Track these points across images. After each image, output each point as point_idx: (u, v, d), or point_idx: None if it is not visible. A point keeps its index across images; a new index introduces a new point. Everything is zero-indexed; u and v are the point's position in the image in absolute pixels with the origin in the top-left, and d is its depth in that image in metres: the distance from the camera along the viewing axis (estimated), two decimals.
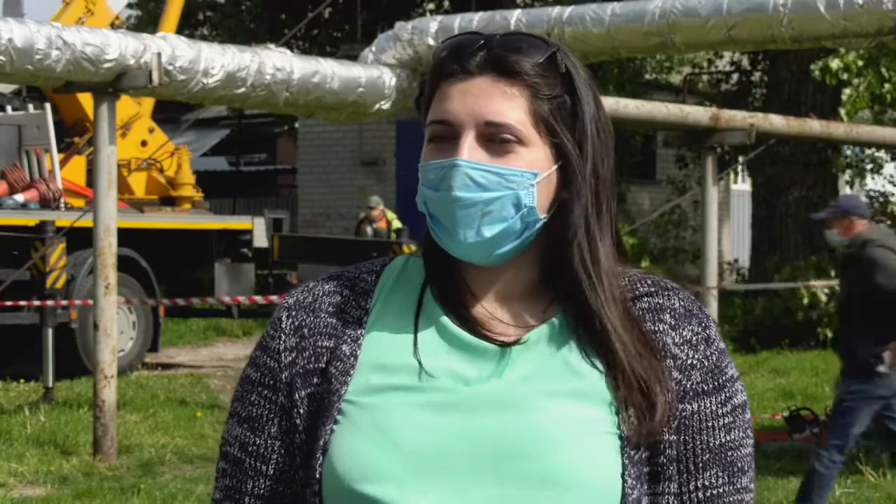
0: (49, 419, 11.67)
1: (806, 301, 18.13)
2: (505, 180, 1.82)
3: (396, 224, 19.78)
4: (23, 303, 13.25)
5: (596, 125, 1.88)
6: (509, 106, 1.82)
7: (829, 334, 18.03)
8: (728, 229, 28.14)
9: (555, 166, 1.85)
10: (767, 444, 10.97)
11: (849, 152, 22.41)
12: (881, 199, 20.94)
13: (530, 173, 1.83)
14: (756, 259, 21.57)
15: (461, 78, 1.84)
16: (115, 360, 10.56)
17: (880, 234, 8.18)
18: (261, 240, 16.99)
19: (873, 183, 24.01)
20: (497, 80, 1.83)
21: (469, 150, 1.81)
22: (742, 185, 29.84)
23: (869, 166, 22.55)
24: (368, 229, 19.47)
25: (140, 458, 10.42)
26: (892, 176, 23.63)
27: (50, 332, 13.12)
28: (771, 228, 21.11)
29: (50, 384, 12.93)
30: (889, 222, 20.20)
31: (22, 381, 14.29)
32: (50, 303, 13.28)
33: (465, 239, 1.83)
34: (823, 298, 18.15)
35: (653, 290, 1.91)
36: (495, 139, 1.82)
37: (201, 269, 16.60)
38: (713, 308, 13.84)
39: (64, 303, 13.69)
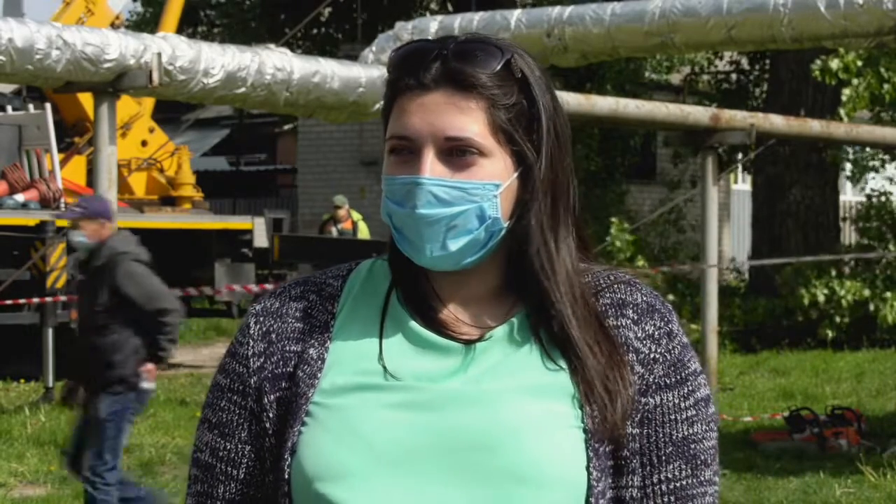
0: (49, 419, 11.67)
1: (806, 302, 18.13)
2: (468, 194, 1.84)
3: (363, 227, 19.53)
4: (23, 302, 13.25)
5: (553, 126, 1.89)
6: (468, 120, 1.83)
7: (830, 334, 18.04)
8: (728, 229, 28.14)
9: (515, 174, 1.86)
10: (767, 444, 10.97)
11: (850, 151, 22.40)
12: (881, 199, 20.91)
13: (492, 185, 1.84)
14: (756, 259, 21.57)
15: (418, 92, 1.85)
16: None
17: (131, 246, 7.90)
18: (261, 240, 17.00)
19: (873, 182, 24.00)
20: (454, 93, 1.83)
21: (430, 167, 1.83)
22: (742, 185, 29.85)
23: (871, 164, 22.55)
24: (333, 230, 19.14)
25: (140, 457, 10.43)
26: (891, 177, 23.62)
27: (50, 331, 13.13)
28: (771, 228, 21.11)
29: (50, 384, 12.93)
30: (890, 222, 20.21)
31: (22, 381, 14.30)
32: (50, 302, 13.28)
33: (431, 253, 1.85)
34: (822, 299, 18.14)
35: (615, 285, 1.92)
36: (456, 153, 1.83)
37: (201, 268, 16.60)
38: (713, 303, 13.84)
39: (64, 299, 13.70)
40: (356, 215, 19.66)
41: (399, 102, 1.87)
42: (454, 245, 1.85)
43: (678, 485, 1.88)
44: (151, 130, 17.61)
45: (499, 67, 1.85)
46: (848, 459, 10.22)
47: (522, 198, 1.87)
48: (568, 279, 1.88)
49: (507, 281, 1.91)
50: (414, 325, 1.89)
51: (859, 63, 14.84)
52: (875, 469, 9.66)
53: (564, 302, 1.86)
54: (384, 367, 1.86)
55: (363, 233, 19.51)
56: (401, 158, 1.87)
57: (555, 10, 11.71)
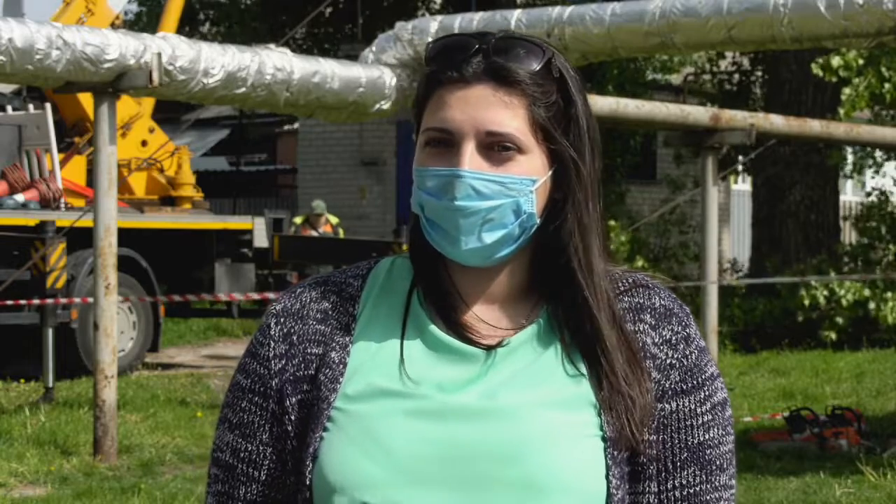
0: (49, 419, 11.67)
1: (807, 303, 18.11)
2: (506, 188, 1.84)
3: (341, 232, 19.48)
4: (23, 303, 13.25)
5: (587, 127, 1.91)
6: (509, 115, 1.84)
7: (833, 336, 18.02)
8: (728, 229, 28.13)
9: (550, 171, 1.87)
10: (767, 444, 10.97)
11: (849, 151, 22.39)
12: (881, 198, 20.91)
13: (529, 180, 1.85)
14: (756, 259, 21.56)
15: (459, 86, 1.85)
16: (115, 360, 10.56)
17: None
18: (261, 240, 16.99)
19: (873, 182, 23.99)
20: (496, 88, 1.84)
21: (471, 160, 1.83)
22: (742, 185, 29.84)
23: (870, 163, 22.54)
24: (312, 233, 19.02)
25: (140, 458, 10.42)
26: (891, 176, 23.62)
27: (50, 332, 13.12)
28: (771, 228, 21.10)
29: (50, 384, 12.92)
30: (889, 221, 20.20)
31: (22, 381, 14.29)
32: (50, 302, 13.28)
33: (466, 245, 1.85)
34: (822, 301, 18.12)
35: (634, 288, 1.93)
36: (495, 148, 1.84)
37: (201, 269, 16.60)
38: (713, 303, 13.83)
39: (64, 301, 13.69)
40: (333, 219, 19.58)
41: (438, 94, 1.86)
42: (489, 238, 1.85)
43: (692, 490, 1.88)
44: (151, 130, 17.59)
45: (540, 66, 1.86)
46: (848, 459, 10.22)
47: (554, 196, 1.88)
48: (600, 278, 1.88)
49: (531, 281, 1.91)
50: (435, 329, 1.88)
51: (860, 61, 14.84)
52: (875, 469, 9.66)
53: (598, 299, 1.87)
54: (405, 375, 1.86)
55: (342, 236, 19.49)
56: (437, 150, 1.86)
57: (555, 10, 11.71)
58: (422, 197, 1.87)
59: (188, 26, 25.47)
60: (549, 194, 1.88)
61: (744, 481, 9.58)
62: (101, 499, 9.06)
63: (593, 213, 1.90)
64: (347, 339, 1.91)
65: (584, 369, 1.86)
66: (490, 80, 1.84)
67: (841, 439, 10.85)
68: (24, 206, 14.77)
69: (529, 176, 1.85)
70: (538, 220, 1.87)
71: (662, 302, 1.92)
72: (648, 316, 1.90)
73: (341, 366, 1.89)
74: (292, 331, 1.93)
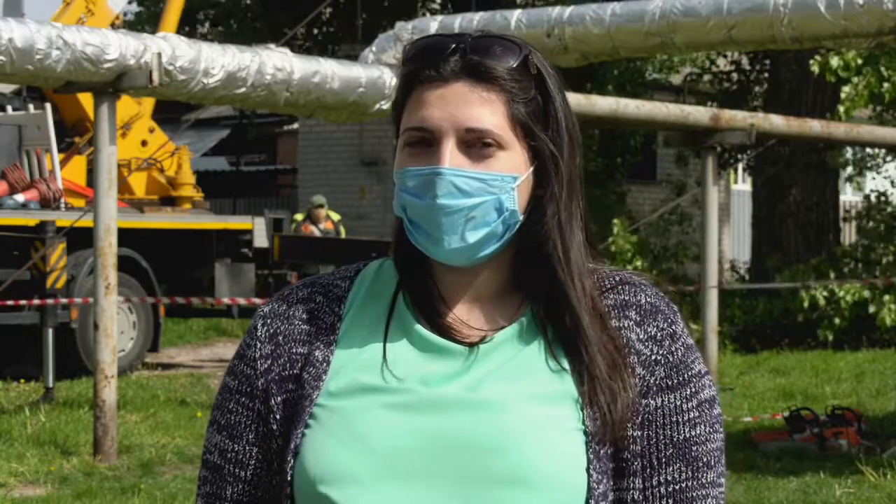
0: (49, 419, 11.67)
1: (806, 304, 18.11)
2: (487, 185, 1.84)
3: (343, 229, 19.44)
4: (23, 303, 13.25)
5: (566, 123, 1.90)
6: (488, 111, 1.84)
7: (830, 336, 18.02)
8: (728, 229, 28.13)
9: (531, 167, 1.88)
10: (767, 444, 10.97)
11: (849, 152, 22.40)
12: (881, 199, 20.91)
13: (510, 177, 1.86)
14: (756, 259, 21.56)
15: (437, 84, 1.85)
16: (115, 360, 10.56)
17: None
18: (261, 240, 17.00)
19: (873, 182, 23.99)
20: (474, 85, 1.85)
21: (451, 158, 1.84)
22: (742, 185, 29.85)
23: (870, 164, 22.56)
24: (314, 230, 18.96)
25: (140, 458, 10.42)
26: (890, 176, 23.62)
27: (50, 332, 13.12)
28: (771, 228, 21.10)
29: (50, 384, 12.93)
30: (889, 220, 20.19)
31: (22, 381, 14.29)
32: (50, 302, 13.28)
33: (449, 245, 1.85)
34: (822, 301, 18.12)
35: (619, 285, 1.93)
36: (475, 145, 1.84)
37: (201, 269, 16.60)
38: (713, 307, 13.83)
39: (64, 301, 13.69)
40: (335, 216, 19.55)
41: (416, 94, 1.87)
42: (472, 237, 1.85)
43: (677, 487, 1.87)
44: (151, 130, 17.60)
45: (517, 63, 1.86)
46: (848, 459, 10.22)
47: (536, 193, 1.88)
48: (580, 274, 1.88)
49: (514, 280, 1.91)
50: (418, 328, 1.89)
51: (859, 61, 14.84)
52: (875, 469, 9.66)
53: (577, 294, 1.87)
54: (388, 372, 1.87)
55: (343, 234, 19.45)
56: (418, 150, 1.86)
57: (555, 10, 11.71)
58: (403, 198, 1.87)
59: (188, 26, 25.49)
60: (532, 191, 1.88)
61: (744, 481, 9.58)
62: (101, 499, 9.07)
63: (574, 208, 1.90)
64: (332, 338, 1.92)
65: (566, 365, 1.86)
66: (468, 78, 1.85)
67: (841, 439, 10.86)
68: (24, 206, 14.78)
69: (511, 172, 1.85)
70: (521, 217, 1.87)
71: (648, 299, 1.92)
72: (633, 312, 1.90)
73: (325, 364, 1.90)
74: (278, 331, 1.94)
